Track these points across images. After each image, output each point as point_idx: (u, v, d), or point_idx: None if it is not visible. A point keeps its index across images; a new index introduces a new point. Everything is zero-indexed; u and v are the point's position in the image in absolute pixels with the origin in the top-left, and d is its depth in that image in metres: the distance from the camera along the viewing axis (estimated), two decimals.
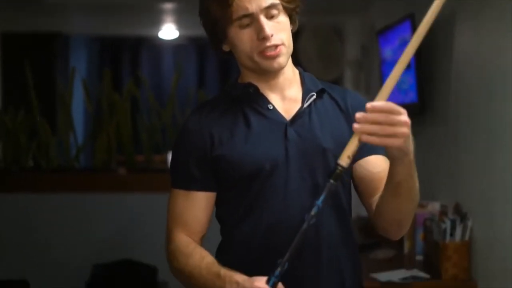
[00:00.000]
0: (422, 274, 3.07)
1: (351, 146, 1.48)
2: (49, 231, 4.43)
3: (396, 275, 3.05)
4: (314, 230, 1.65)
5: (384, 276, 3.03)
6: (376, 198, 1.72)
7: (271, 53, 1.73)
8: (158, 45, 7.39)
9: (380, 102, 1.44)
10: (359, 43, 5.72)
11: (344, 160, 1.50)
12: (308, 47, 5.77)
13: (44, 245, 4.40)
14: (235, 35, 1.75)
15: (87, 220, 4.43)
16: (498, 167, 2.74)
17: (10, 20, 6.15)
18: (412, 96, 3.67)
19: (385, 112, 1.42)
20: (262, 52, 1.73)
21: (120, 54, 7.35)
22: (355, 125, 1.45)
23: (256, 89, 1.80)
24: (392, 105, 1.42)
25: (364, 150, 1.70)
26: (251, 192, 1.74)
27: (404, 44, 3.69)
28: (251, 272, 1.65)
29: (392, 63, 3.90)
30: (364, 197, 1.80)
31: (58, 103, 4.95)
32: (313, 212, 1.53)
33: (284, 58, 1.75)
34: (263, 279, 1.56)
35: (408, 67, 3.63)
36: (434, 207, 3.38)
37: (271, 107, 1.78)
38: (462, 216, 3.03)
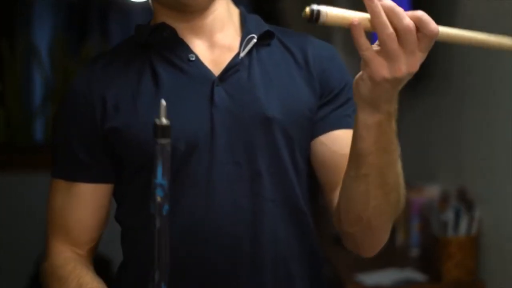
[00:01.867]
0: (418, 276, 2.57)
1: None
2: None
3: (386, 277, 2.55)
4: (249, 236, 1.20)
5: (371, 278, 2.53)
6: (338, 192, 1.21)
7: None
8: (127, 8, 6.95)
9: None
10: (349, 3, 5.22)
11: (330, 11, 0.96)
12: (292, 10, 5.29)
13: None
14: None
15: (31, 205, 3.95)
16: None
17: None
18: None
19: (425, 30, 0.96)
20: None
21: (87, 18, 6.90)
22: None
23: (173, 32, 1.28)
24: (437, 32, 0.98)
25: (326, 122, 1.25)
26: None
27: (398, 4, 3.18)
28: None
29: None
30: (324, 190, 1.29)
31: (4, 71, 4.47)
32: (159, 197, 0.99)
33: None
34: None
35: None
36: (433, 191, 2.91)
37: (193, 58, 1.27)
38: (468, 205, 2.54)
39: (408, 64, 0.97)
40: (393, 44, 0.95)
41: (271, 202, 1.21)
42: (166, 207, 1.00)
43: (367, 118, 1.05)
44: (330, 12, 0.95)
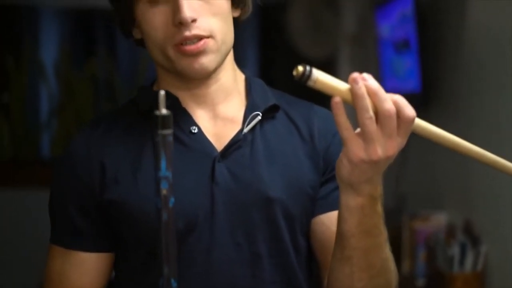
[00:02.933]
0: None
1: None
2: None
3: None
4: None
5: None
6: None
7: (191, 47, 1.17)
8: None
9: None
10: (355, 15, 5.18)
11: (321, 77, 0.94)
12: (298, 20, 5.25)
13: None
14: (143, 15, 1.20)
15: (36, 220, 3.96)
16: None
17: None
18: (413, 84, 3.19)
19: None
20: (179, 46, 1.17)
21: (93, 29, 6.85)
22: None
23: (175, 102, 1.23)
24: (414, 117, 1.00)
25: (327, 202, 1.22)
26: (156, 261, 1.16)
27: (404, 21, 3.17)
28: None
29: (390, 42, 3.37)
30: (321, 268, 1.26)
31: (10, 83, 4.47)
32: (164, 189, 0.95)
33: (213, 57, 1.19)
34: None
35: (408, 46, 3.13)
36: (440, 220, 2.89)
37: (195, 130, 1.22)
38: (474, 240, 2.53)
39: (385, 148, 0.95)
40: (372, 126, 0.94)
41: (271, 285, 1.18)
42: (172, 199, 0.97)
43: (349, 200, 1.03)
44: (321, 77, 0.93)
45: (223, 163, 1.19)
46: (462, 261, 2.47)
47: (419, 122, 1.00)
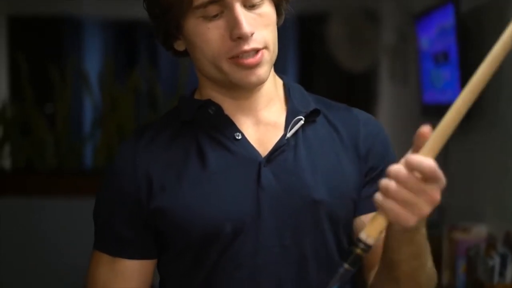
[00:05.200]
0: None
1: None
2: (39, 240, 4.07)
3: None
4: None
5: None
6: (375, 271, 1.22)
7: (249, 60, 1.19)
8: None
9: (421, 158, 0.96)
10: (395, 28, 5.16)
11: (370, 235, 0.99)
12: (338, 33, 5.24)
13: (36, 255, 4.03)
14: (195, 29, 1.21)
15: (79, 229, 3.98)
16: None
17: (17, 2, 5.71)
18: (452, 95, 3.17)
19: (423, 173, 0.96)
20: (236, 59, 1.19)
21: (135, 39, 6.88)
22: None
23: (219, 110, 1.26)
24: (434, 168, 0.96)
25: (369, 203, 1.20)
26: (204, 264, 1.22)
27: (444, 34, 3.15)
28: None
29: (429, 54, 3.36)
30: (365, 268, 1.29)
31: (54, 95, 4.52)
32: None
33: (267, 68, 1.22)
34: None
35: (447, 59, 3.12)
36: (480, 232, 2.85)
37: (239, 137, 1.25)
38: None
39: (426, 202, 0.97)
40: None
41: (317, 286, 1.20)
42: None
43: (398, 236, 1.06)
44: (370, 235, 0.99)
45: (268, 168, 1.21)
46: (502, 272, 2.44)
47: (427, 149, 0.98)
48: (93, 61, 5.28)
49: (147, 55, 6.78)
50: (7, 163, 4.44)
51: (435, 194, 0.96)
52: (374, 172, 1.25)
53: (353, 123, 1.28)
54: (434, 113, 3.47)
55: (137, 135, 1.29)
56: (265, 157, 1.22)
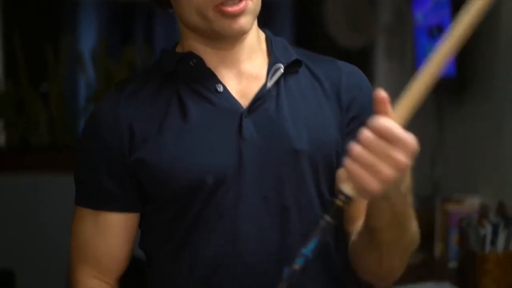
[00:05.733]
0: None
1: None
2: (38, 217, 4.09)
3: None
4: (277, 273, 1.12)
5: None
6: (358, 225, 1.20)
7: (233, 8, 1.19)
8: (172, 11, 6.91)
9: (384, 120, 0.95)
10: (391, 5, 5.14)
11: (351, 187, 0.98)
12: (335, 11, 5.21)
13: (32, 232, 4.04)
14: None
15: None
16: None
17: None
18: (448, 69, 3.11)
19: (385, 138, 0.95)
20: (220, 6, 1.19)
21: (130, 18, 6.89)
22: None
23: (200, 62, 1.26)
24: (394, 130, 0.95)
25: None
26: (186, 216, 1.22)
27: (438, 7, 3.14)
28: None
29: (424, 29, 3.35)
30: (344, 221, 1.29)
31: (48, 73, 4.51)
32: (297, 265, 1.01)
33: (250, 18, 1.22)
34: None
35: (442, 31, 3.11)
36: (473, 204, 2.84)
37: (221, 89, 1.25)
38: (507, 220, 2.47)
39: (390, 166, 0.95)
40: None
41: (298, 237, 1.19)
42: (297, 277, 1.02)
43: (377, 203, 1.05)
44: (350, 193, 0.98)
45: (249, 119, 1.21)
46: (494, 241, 2.43)
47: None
48: (88, 41, 5.27)
49: (142, 35, 6.77)
50: (1, 141, 4.43)
51: (400, 157, 0.94)
52: (356, 123, 1.24)
53: (336, 74, 1.28)
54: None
55: (118, 88, 1.29)
56: (246, 108, 1.22)
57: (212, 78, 1.24)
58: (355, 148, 0.95)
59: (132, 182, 1.24)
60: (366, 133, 0.95)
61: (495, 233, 2.44)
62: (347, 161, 0.96)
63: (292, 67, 1.26)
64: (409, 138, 0.95)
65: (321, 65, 1.30)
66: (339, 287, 1.26)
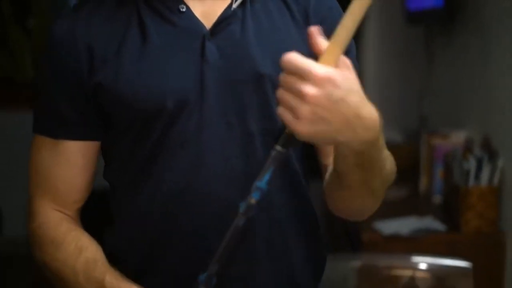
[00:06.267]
0: (437, 225, 2.49)
1: None
2: (24, 154, 3.95)
3: (404, 225, 2.48)
4: (241, 200, 1.07)
5: (389, 227, 2.46)
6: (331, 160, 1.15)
7: None
8: None
9: (289, 55, 0.92)
10: None
11: None
12: None
13: (18, 168, 3.93)
14: None
15: None
16: None
17: None
18: (435, 0, 3.07)
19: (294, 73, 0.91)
20: None
21: None
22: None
23: None
24: (299, 62, 0.91)
25: None
26: (147, 142, 1.16)
27: None
28: (151, 259, 1.19)
29: None
30: (318, 154, 1.24)
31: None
32: (253, 199, 1.00)
33: None
34: None
35: None
36: (459, 137, 2.81)
37: (184, 9, 1.17)
38: (491, 154, 2.44)
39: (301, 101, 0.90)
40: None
41: (263, 163, 1.15)
42: (253, 212, 1.00)
43: (337, 148, 1.01)
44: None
45: (212, 41, 1.15)
46: (478, 175, 2.40)
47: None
48: None
49: None
50: None
51: (306, 89, 0.89)
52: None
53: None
54: (419, 20, 3.38)
55: (76, 8, 1.21)
56: (209, 29, 1.16)
57: None
58: (279, 90, 0.92)
59: (91, 108, 1.18)
60: (282, 73, 0.92)
61: (479, 168, 2.41)
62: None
63: None
64: (314, 67, 0.89)
65: None
66: (308, 219, 1.23)
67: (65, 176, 1.22)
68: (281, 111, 0.91)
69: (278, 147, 0.96)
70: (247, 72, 1.14)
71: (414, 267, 2.08)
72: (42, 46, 3.62)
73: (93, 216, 1.37)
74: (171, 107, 1.13)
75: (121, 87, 1.14)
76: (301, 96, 0.89)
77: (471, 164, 2.41)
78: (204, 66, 1.14)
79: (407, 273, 2.11)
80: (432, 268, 2.08)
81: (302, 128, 0.90)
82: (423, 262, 2.08)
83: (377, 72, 3.89)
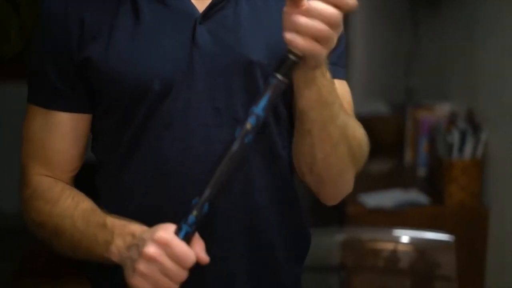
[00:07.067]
0: (421, 198, 2.51)
1: None
2: (14, 126, 3.97)
3: (388, 198, 2.49)
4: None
5: (373, 199, 2.48)
6: None
7: None
8: None
9: None
10: None
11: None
12: None
13: (7, 141, 3.97)
14: None
15: None
16: None
17: None
18: None
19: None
20: None
21: None
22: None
23: None
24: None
25: None
26: (133, 121, 1.18)
27: None
28: None
29: None
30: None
31: None
32: (249, 124, 1.04)
33: None
34: (171, 227, 1.09)
35: None
36: (443, 110, 2.81)
37: None
38: (475, 127, 2.44)
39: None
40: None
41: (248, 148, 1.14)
42: (250, 136, 1.05)
43: (303, 75, 1.05)
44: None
45: (204, 25, 1.15)
46: (461, 148, 2.41)
47: None
48: None
49: None
50: None
51: (338, 16, 0.99)
52: None
53: None
54: None
55: None
56: (202, 13, 1.15)
57: None
58: (303, 20, 0.99)
59: (80, 81, 1.19)
60: (316, 3, 0.98)
61: (463, 141, 2.42)
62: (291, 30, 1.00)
63: None
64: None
65: None
66: (283, 186, 1.24)
67: (57, 146, 1.23)
68: (304, 40, 1.00)
69: (279, 75, 1.02)
70: (237, 58, 1.14)
71: (397, 240, 2.10)
72: (30, 20, 3.58)
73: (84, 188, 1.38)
74: (157, 88, 1.13)
75: (110, 64, 1.14)
76: (325, 18, 0.99)
77: (455, 137, 2.42)
78: (194, 50, 1.14)
79: (390, 246, 2.13)
80: (414, 241, 2.10)
81: (324, 52, 1.01)
82: (405, 235, 2.10)
83: (364, 46, 3.89)
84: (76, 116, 1.22)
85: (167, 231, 1.07)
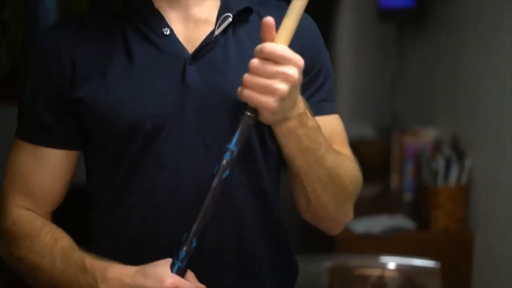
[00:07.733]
0: (407, 223, 2.55)
1: None
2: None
3: (376, 224, 2.53)
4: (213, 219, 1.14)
5: (361, 225, 2.51)
6: None
7: None
8: None
9: (270, 44, 1.07)
10: None
11: None
12: None
13: None
14: None
15: None
16: (509, 93, 2.25)
17: None
18: None
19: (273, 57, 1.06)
20: None
21: None
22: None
23: (148, 2, 1.22)
24: (282, 50, 1.06)
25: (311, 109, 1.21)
26: (125, 160, 1.20)
27: None
28: None
29: None
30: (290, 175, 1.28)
31: None
32: (224, 160, 1.10)
33: None
34: (168, 266, 1.12)
35: None
36: (428, 135, 2.85)
37: (168, 32, 1.20)
38: (459, 154, 2.49)
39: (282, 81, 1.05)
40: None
41: (238, 186, 1.18)
42: (227, 172, 1.09)
43: (280, 128, 1.11)
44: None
45: (194, 66, 1.18)
46: (446, 175, 2.45)
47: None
48: None
49: None
50: None
51: (290, 71, 1.04)
52: (306, 77, 1.18)
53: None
54: (390, 18, 3.42)
55: (63, 23, 1.26)
56: (191, 54, 1.18)
57: (159, 21, 1.20)
58: (245, 76, 1.05)
59: (71, 118, 1.21)
60: (253, 61, 1.05)
61: (448, 167, 2.46)
62: (240, 90, 1.07)
63: (242, 15, 1.22)
64: (294, 54, 1.05)
65: (271, 12, 1.18)
66: (271, 220, 1.27)
67: (41, 181, 1.24)
68: (250, 94, 1.05)
69: (246, 112, 1.08)
70: (226, 99, 1.17)
71: (383, 267, 2.14)
72: (17, 41, 3.57)
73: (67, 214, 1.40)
74: (148, 128, 1.16)
75: (103, 104, 1.17)
76: (282, 76, 1.04)
77: (440, 164, 2.46)
78: (184, 90, 1.17)
79: (377, 272, 2.17)
80: (401, 268, 2.14)
81: (274, 103, 1.05)
82: (392, 262, 2.14)
83: (350, 69, 3.94)
84: (63, 153, 1.24)
85: (173, 277, 1.10)
